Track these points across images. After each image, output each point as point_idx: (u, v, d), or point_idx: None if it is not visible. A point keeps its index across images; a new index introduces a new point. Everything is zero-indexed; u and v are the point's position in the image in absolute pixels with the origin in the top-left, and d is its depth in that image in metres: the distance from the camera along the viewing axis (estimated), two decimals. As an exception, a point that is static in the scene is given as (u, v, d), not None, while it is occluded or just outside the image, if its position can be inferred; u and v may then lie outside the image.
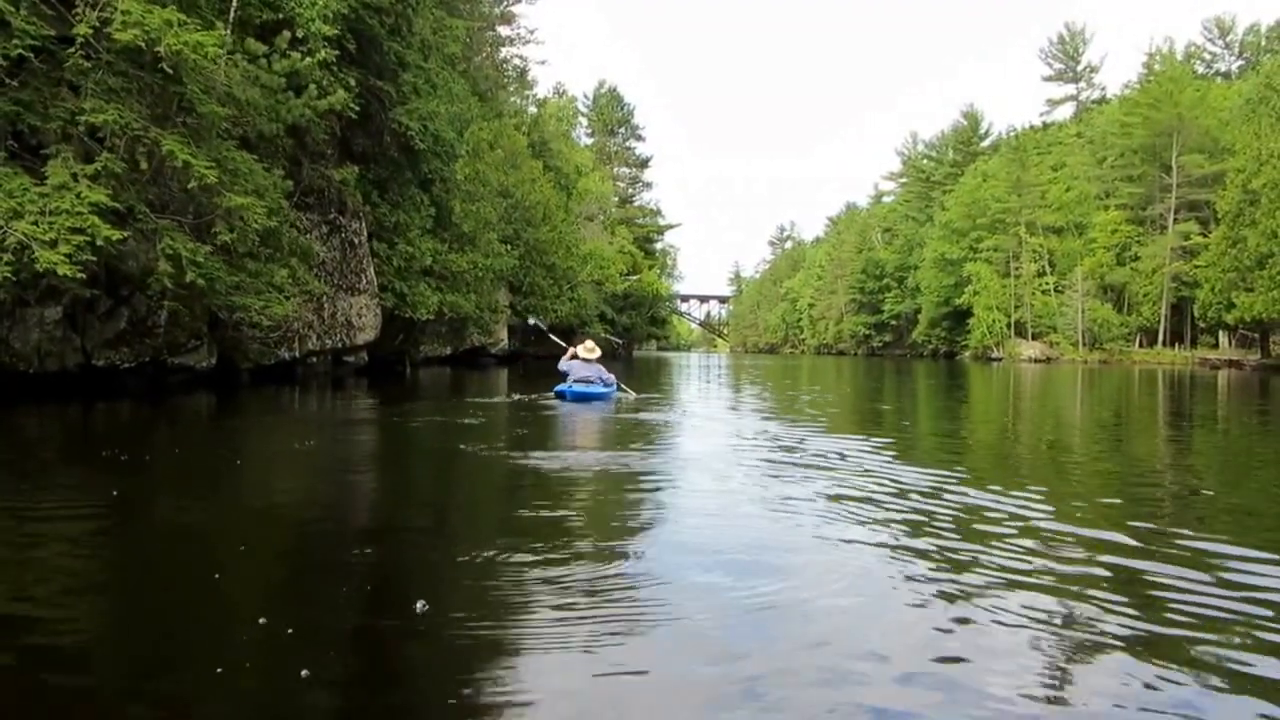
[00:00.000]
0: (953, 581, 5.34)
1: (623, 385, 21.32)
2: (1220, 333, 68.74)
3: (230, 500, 7.86)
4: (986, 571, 5.52)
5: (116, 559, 5.80)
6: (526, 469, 9.10)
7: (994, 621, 4.54)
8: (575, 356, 20.31)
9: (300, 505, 7.60)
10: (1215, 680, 3.89)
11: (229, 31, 19.07)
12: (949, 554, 5.99)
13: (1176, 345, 74.52)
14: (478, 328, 47.97)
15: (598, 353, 20.70)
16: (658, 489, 8.42)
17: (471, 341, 48.97)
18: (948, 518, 7.09)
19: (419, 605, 4.40)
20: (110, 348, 21.37)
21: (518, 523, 6.73)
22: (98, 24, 15.19)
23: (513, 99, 70.65)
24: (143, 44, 15.16)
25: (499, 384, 31.85)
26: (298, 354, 29.22)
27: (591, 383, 19.55)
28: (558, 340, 29.09)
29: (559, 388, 19.43)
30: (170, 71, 15.80)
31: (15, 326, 18.85)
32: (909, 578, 5.31)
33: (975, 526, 6.81)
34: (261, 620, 4.16)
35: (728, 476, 9.01)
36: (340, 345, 32.08)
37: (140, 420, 16.48)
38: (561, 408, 17.79)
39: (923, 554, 5.97)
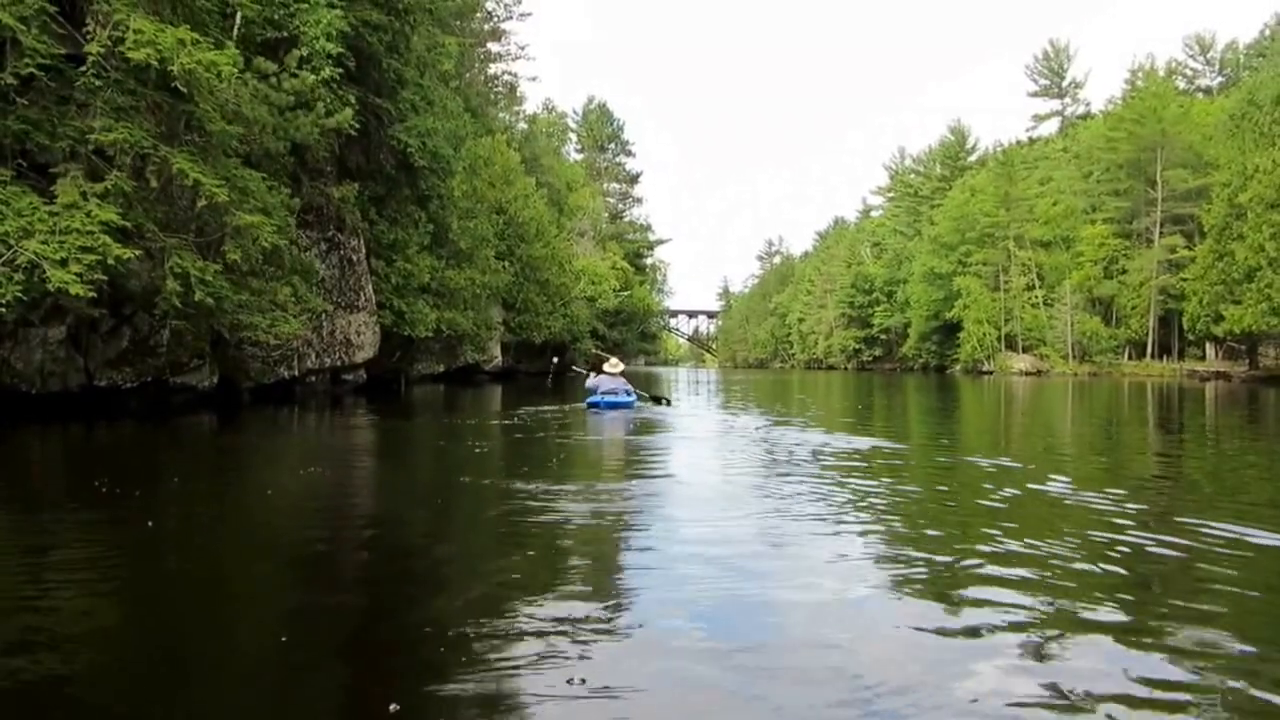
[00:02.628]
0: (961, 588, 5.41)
1: (645, 396, 24.84)
2: (1207, 345, 69.02)
3: (256, 547, 7.32)
4: (999, 586, 5.65)
5: (167, 631, 4.99)
6: (566, 502, 8.91)
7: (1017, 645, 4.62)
8: (601, 373, 23.72)
9: (331, 552, 7.03)
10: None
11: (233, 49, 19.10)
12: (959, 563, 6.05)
13: (1164, 357, 74.85)
14: (472, 345, 47.82)
15: (620, 368, 24.12)
16: (666, 514, 8.38)
17: (465, 359, 48.74)
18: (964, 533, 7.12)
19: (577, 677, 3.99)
20: (112, 367, 21.25)
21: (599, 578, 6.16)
22: (109, 43, 15.17)
23: (502, 115, 70.64)
24: (155, 63, 15.13)
25: (500, 401, 31.81)
26: (297, 373, 29.11)
27: (617, 394, 22.71)
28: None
29: (591, 400, 22.59)
30: (184, 90, 15.78)
31: (17, 347, 18.73)
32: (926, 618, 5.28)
33: (987, 538, 6.84)
34: (393, 708, 3.68)
35: (738, 508, 8.65)
36: (339, 363, 31.96)
37: (144, 445, 16.16)
38: (586, 429, 18.06)
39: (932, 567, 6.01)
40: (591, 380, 23.81)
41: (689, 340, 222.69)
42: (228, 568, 6.54)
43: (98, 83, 15.46)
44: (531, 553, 6.65)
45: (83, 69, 15.37)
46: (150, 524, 7.58)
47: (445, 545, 7.32)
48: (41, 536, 7.33)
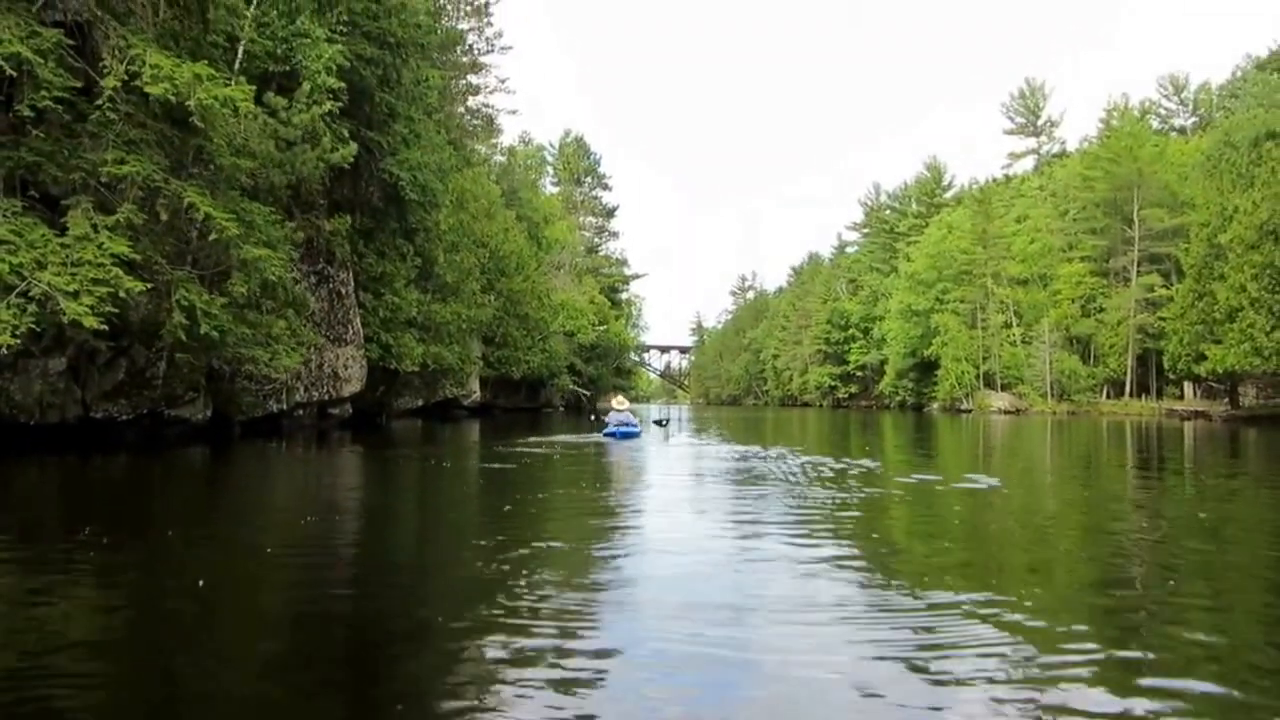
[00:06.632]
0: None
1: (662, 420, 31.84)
2: (1186, 384, 69.38)
3: (254, 625, 6.65)
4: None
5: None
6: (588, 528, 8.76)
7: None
8: (611, 409, 28.69)
9: (330, 634, 6.38)
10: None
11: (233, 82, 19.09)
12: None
13: (1143, 396, 75.10)
14: (453, 380, 47.60)
15: (626, 404, 29.78)
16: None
17: (445, 393, 48.51)
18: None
19: None
20: (109, 399, 21.07)
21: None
22: (126, 77, 15.11)
23: (478, 147, 70.42)
24: (172, 98, 15.08)
25: (485, 439, 31.60)
26: (285, 406, 28.95)
27: (625, 425, 27.45)
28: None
29: (605, 431, 27.39)
30: (200, 125, 15.73)
31: (17, 377, 18.56)
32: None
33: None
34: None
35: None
36: (327, 397, 31.79)
37: (139, 483, 15.80)
38: (581, 474, 17.95)
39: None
40: (608, 417, 28.59)
41: (661, 376, 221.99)
42: (224, 655, 5.83)
43: (112, 116, 15.39)
44: (523, 614, 6.42)
45: (97, 103, 15.29)
46: (200, 582, 7.25)
47: (442, 615, 6.76)
48: (28, 596, 6.92)
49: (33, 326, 13.93)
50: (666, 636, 5.96)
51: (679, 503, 13.57)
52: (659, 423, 42.95)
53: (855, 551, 8.79)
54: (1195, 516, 11.94)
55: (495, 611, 6.44)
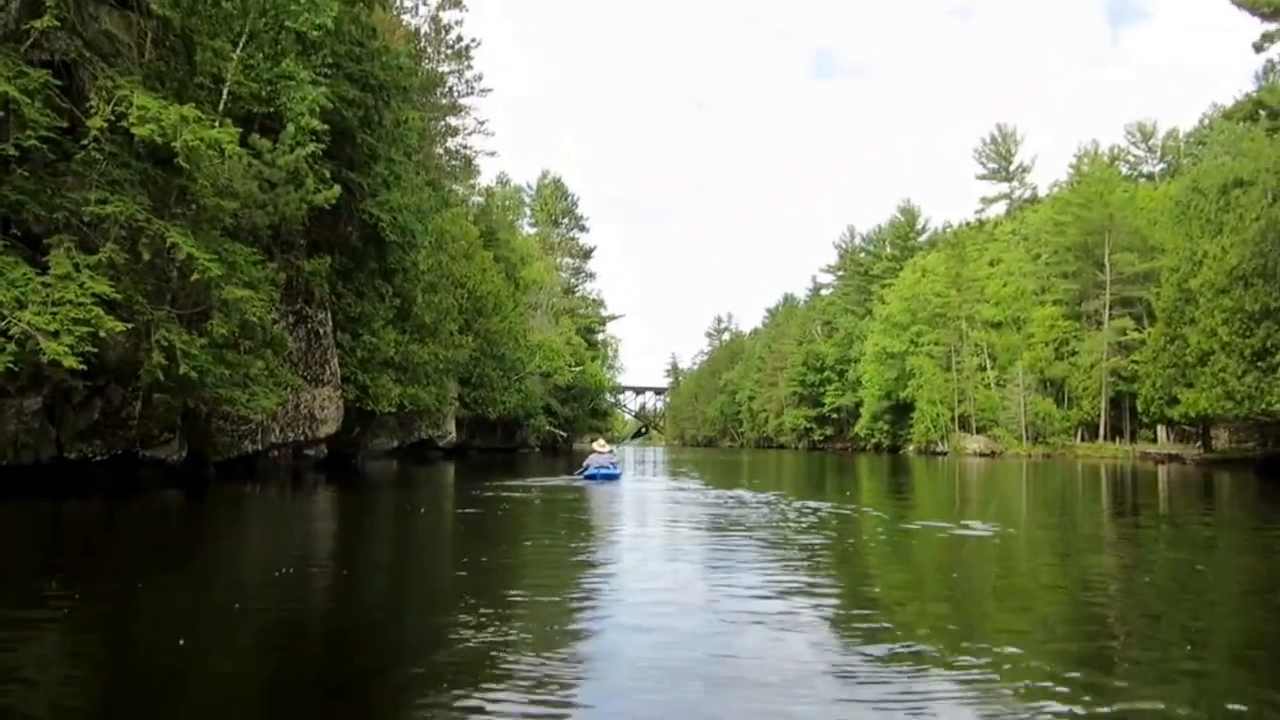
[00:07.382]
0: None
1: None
2: (1159, 427, 69.61)
3: (215, 683, 6.36)
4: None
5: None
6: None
7: None
8: (592, 450, 29.95)
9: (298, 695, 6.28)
10: None
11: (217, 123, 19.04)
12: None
13: (1116, 439, 75.38)
14: (429, 420, 47.37)
15: (609, 447, 31.56)
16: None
17: (420, 434, 48.27)
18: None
19: None
20: (83, 440, 20.78)
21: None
22: (112, 117, 15.06)
23: (456, 188, 70.41)
24: (158, 139, 15.03)
25: (462, 481, 31.42)
26: (260, 446, 28.69)
27: (606, 468, 28.65)
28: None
29: (587, 473, 28.42)
30: (185, 166, 15.67)
31: (-10, 418, 18.33)
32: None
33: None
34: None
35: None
36: (303, 438, 31.50)
37: (111, 529, 15.53)
38: (565, 521, 17.83)
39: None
40: (589, 459, 29.71)
41: (635, 417, 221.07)
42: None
43: (97, 156, 15.32)
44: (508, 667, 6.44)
45: (83, 142, 15.23)
46: (182, 641, 6.96)
47: (419, 676, 6.56)
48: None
49: (10, 366, 13.77)
50: (646, 705, 5.85)
51: (663, 554, 13.29)
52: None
53: (846, 603, 8.75)
54: (1193, 568, 11.97)
55: (472, 676, 6.30)
